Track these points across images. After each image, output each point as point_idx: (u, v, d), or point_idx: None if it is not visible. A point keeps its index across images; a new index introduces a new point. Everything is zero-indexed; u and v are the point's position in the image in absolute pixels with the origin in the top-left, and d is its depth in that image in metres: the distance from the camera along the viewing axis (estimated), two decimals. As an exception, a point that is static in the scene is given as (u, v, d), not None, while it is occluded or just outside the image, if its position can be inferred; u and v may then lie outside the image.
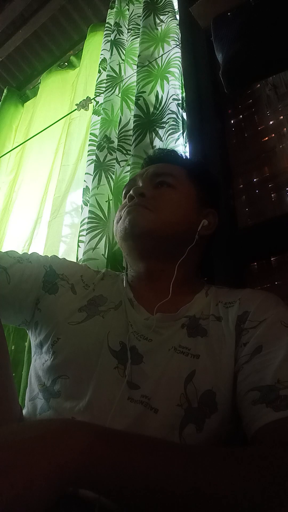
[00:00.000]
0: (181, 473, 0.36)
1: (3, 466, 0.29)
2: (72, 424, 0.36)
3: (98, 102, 1.43)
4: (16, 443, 0.32)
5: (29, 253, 0.74)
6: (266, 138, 1.00)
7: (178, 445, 0.49)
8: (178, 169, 0.78)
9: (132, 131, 1.18)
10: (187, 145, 1.09)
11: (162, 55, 1.29)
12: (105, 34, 1.58)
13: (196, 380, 0.55)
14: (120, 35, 1.50)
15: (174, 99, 1.16)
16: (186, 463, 0.37)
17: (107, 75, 1.40)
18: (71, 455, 0.32)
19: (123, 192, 0.82)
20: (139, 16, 1.46)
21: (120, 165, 1.19)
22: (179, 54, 1.25)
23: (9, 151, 1.86)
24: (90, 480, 0.33)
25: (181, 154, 0.89)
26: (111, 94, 1.35)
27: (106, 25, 1.59)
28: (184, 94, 1.18)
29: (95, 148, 1.28)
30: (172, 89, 1.19)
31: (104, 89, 1.39)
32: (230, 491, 0.36)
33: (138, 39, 1.37)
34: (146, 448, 0.37)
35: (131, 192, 0.74)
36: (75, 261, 1.10)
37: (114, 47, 1.46)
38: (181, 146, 1.10)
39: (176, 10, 1.41)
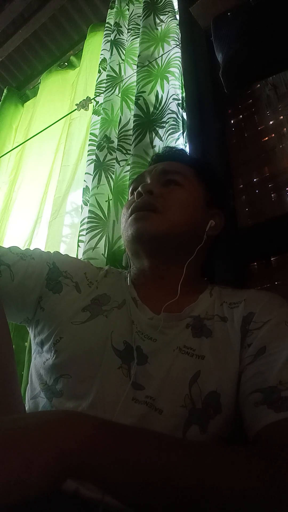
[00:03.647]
0: (184, 467, 0.36)
1: (2, 448, 0.29)
2: (76, 414, 0.36)
3: (98, 102, 1.43)
4: (17, 428, 0.32)
5: (31, 249, 0.73)
6: (266, 138, 1.00)
7: (181, 440, 0.49)
8: (186, 168, 0.77)
9: (132, 130, 1.18)
10: (187, 145, 1.09)
11: (162, 55, 1.29)
12: (105, 34, 1.58)
13: (201, 381, 0.54)
14: (120, 35, 1.50)
15: (174, 99, 1.16)
16: (189, 457, 0.37)
17: (107, 75, 1.40)
18: (72, 443, 0.32)
19: (131, 188, 0.81)
20: (139, 16, 1.46)
21: (120, 164, 1.19)
22: (179, 54, 1.25)
23: (9, 151, 1.86)
24: (93, 472, 0.33)
25: (189, 154, 0.88)
26: (111, 94, 1.35)
27: (106, 25, 1.59)
28: (184, 94, 1.18)
29: (95, 148, 1.28)
30: (172, 89, 1.19)
31: (104, 89, 1.39)
32: (231, 488, 0.36)
33: (138, 39, 1.37)
34: (150, 442, 0.37)
35: (139, 188, 0.72)
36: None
37: (114, 47, 1.46)
38: (181, 146, 1.10)
39: (176, 10, 1.41)
